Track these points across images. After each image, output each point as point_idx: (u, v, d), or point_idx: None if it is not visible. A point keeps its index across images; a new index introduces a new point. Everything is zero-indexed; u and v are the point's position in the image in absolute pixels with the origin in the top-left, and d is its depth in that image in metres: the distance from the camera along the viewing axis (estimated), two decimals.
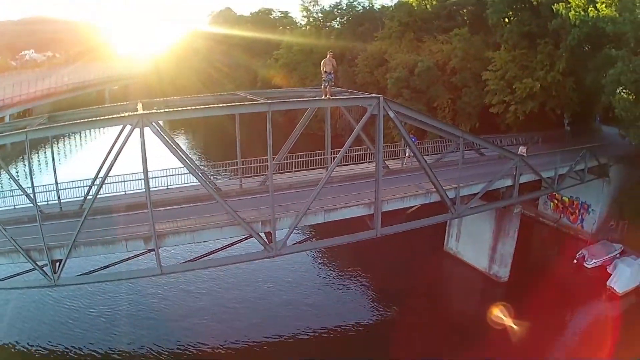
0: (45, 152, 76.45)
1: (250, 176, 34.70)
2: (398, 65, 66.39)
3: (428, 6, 75.14)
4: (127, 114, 26.64)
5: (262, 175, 34.58)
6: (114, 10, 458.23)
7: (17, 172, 64.20)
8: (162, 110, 27.75)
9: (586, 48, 50.22)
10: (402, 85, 63.62)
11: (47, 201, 30.31)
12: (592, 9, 44.21)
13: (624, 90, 42.12)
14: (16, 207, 30.25)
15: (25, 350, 32.29)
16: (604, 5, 43.72)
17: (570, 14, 46.20)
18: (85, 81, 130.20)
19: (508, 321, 35.20)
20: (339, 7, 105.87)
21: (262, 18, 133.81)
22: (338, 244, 31.84)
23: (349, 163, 36.89)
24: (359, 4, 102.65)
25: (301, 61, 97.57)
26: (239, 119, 30.71)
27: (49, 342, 32.96)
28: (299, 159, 35.53)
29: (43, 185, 30.67)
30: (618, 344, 32.30)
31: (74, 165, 72.55)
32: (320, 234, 31.86)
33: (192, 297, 38.59)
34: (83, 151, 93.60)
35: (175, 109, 28.39)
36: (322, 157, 35.54)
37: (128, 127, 25.59)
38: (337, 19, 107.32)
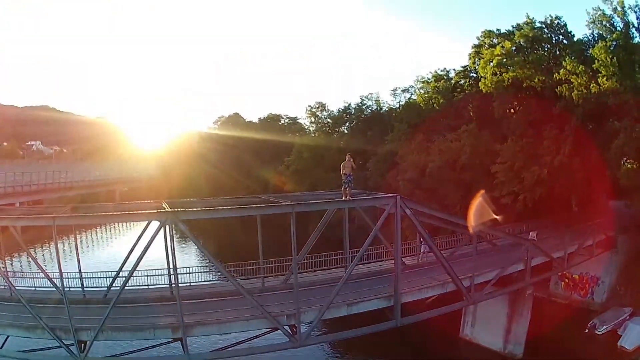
0: (60, 242, 77.99)
1: (272, 275, 35.46)
2: (409, 167, 67.60)
3: (435, 105, 76.68)
4: (156, 211, 27.99)
5: (283, 274, 35.37)
6: (121, 108, 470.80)
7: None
8: (190, 209, 28.87)
9: (590, 126, 51.96)
10: (413, 186, 64.45)
11: (69, 288, 30.80)
12: (594, 84, 45.94)
13: (629, 161, 43.98)
14: (37, 289, 31.22)
15: None
16: (605, 78, 45.40)
17: (573, 94, 48.04)
18: (97, 180, 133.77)
19: None
20: (348, 111, 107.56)
21: (271, 124, 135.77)
22: (359, 335, 32.37)
23: (367, 262, 37.80)
24: (368, 108, 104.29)
25: (312, 168, 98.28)
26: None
27: None
28: (318, 259, 36.63)
29: (65, 272, 30.48)
30: None
31: (90, 257, 74.17)
32: (341, 325, 32.75)
33: None
34: (97, 245, 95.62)
35: (202, 209, 29.74)
36: (340, 257, 36.49)
37: (154, 224, 26.91)
38: (347, 123, 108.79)
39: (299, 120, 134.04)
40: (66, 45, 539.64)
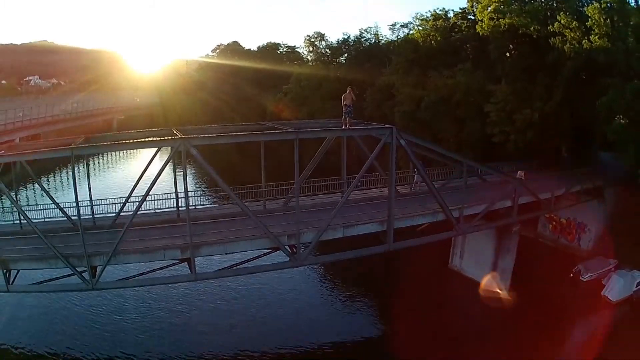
0: (67, 171, 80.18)
1: (272, 198, 37.43)
2: (405, 100, 68.19)
3: (433, 42, 76.39)
4: (169, 138, 29.40)
5: (283, 197, 37.53)
6: (119, 39, 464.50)
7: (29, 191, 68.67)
8: (201, 135, 30.59)
9: (583, 77, 52.94)
10: (409, 119, 65.45)
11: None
12: (586, 41, 46.91)
13: (618, 116, 44.24)
14: (46, 219, 32.06)
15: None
16: (597, 37, 46.41)
17: (565, 47, 49.04)
18: (93, 109, 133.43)
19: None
20: (347, 42, 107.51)
21: (270, 53, 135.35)
22: (355, 257, 34.64)
23: (362, 188, 39.28)
24: (366, 40, 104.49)
25: (310, 95, 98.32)
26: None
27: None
28: (317, 184, 38.08)
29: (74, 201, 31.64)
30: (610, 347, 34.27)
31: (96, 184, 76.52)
32: (337, 250, 34.85)
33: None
34: (96, 174, 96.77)
35: (212, 135, 31.48)
36: (338, 182, 38.12)
37: (163, 150, 28.95)
38: (345, 54, 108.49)
39: (298, 50, 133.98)
40: None
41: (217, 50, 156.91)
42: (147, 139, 31.49)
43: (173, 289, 42.92)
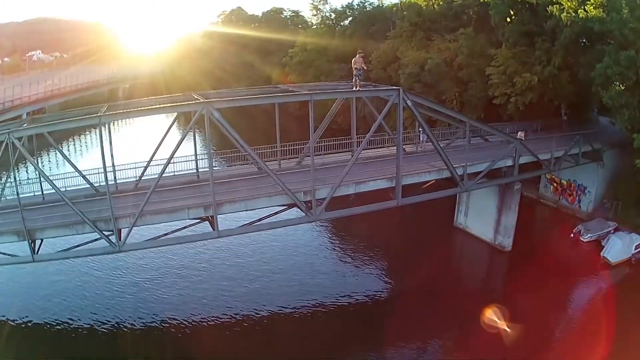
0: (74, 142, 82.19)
1: (285, 158, 39.13)
2: (409, 62, 69.50)
3: (435, 7, 77.66)
4: (193, 102, 30.54)
5: (295, 157, 39.51)
6: (120, 9, 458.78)
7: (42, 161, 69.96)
8: (223, 99, 32.28)
9: (582, 43, 53.83)
10: (414, 80, 66.83)
11: (99, 182, 33.34)
12: (582, 10, 48.19)
13: (615, 82, 44.97)
14: (67, 188, 32.91)
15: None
16: (592, 7, 47.74)
17: (562, 15, 50.32)
18: (99, 80, 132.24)
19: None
20: (351, 6, 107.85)
21: (274, 17, 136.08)
22: (366, 211, 36.20)
23: (371, 147, 41.04)
24: (370, 5, 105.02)
25: (315, 59, 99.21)
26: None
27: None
28: (328, 143, 40.10)
29: (93, 168, 33.78)
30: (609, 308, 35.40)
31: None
32: (349, 207, 36.41)
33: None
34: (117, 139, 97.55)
35: (232, 98, 33.12)
36: (348, 141, 40.06)
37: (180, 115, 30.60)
38: (349, 18, 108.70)
39: (302, 14, 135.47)
40: None
41: (221, 17, 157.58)
42: (170, 104, 32.60)
43: (191, 255, 44.13)
